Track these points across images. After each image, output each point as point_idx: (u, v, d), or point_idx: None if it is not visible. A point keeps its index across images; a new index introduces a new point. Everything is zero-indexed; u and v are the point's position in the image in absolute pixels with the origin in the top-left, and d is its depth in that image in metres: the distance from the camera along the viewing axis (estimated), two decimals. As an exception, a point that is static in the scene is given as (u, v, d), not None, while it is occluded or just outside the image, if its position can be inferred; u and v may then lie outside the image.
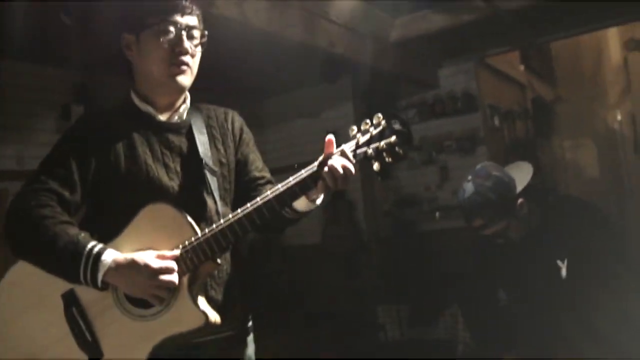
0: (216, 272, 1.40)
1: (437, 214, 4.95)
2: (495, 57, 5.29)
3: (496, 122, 5.33)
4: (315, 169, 1.28)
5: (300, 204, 1.37)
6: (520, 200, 2.06)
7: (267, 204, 1.28)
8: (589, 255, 1.98)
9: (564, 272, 2.02)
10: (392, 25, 4.24)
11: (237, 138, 1.53)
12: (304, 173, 1.29)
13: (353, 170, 1.27)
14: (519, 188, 2.08)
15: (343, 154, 1.28)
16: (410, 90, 5.15)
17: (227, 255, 1.46)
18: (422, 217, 5.12)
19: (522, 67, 6.27)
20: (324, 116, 5.24)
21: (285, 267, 5.09)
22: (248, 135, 1.57)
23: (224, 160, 1.48)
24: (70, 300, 1.32)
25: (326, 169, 1.26)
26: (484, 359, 2.23)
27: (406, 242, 5.03)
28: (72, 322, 1.31)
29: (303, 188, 1.29)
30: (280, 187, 1.29)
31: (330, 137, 1.30)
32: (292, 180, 1.29)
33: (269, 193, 1.29)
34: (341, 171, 1.25)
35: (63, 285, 1.31)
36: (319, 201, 1.39)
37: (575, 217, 2.09)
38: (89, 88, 3.88)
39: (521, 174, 2.15)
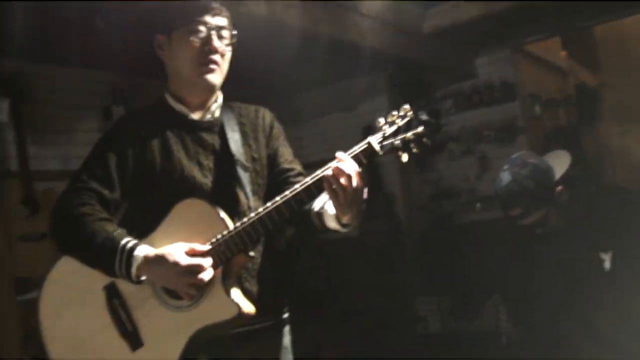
0: (250, 264, 1.43)
1: (478, 204, 4.88)
2: (535, 44, 5.14)
3: (537, 110, 5.19)
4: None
5: (330, 221, 1.37)
6: (559, 188, 2.01)
7: (296, 196, 1.30)
8: (633, 246, 1.91)
9: (607, 264, 1.96)
10: (425, 15, 4.19)
11: (268, 132, 1.56)
12: (330, 165, 1.29)
13: (355, 175, 1.23)
14: (557, 176, 2.03)
15: (355, 157, 1.26)
16: (446, 80, 5.07)
17: (261, 248, 1.49)
18: (459, 208, 5.05)
19: (563, 54, 6.07)
20: (359, 110, 5.21)
21: (323, 263, 5.10)
22: (278, 129, 1.59)
23: (256, 156, 1.51)
24: (111, 292, 1.38)
25: (329, 171, 1.25)
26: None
27: (444, 234, 4.97)
28: (114, 313, 1.37)
29: None
30: (308, 179, 1.31)
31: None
32: (319, 172, 1.30)
33: (298, 186, 1.31)
34: (346, 171, 1.23)
35: (104, 279, 1.37)
36: (349, 227, 1.35)
37: (617, 206, 2.02)
38: (126, 89, 4.01)
39: (559, 163, 2.09)
